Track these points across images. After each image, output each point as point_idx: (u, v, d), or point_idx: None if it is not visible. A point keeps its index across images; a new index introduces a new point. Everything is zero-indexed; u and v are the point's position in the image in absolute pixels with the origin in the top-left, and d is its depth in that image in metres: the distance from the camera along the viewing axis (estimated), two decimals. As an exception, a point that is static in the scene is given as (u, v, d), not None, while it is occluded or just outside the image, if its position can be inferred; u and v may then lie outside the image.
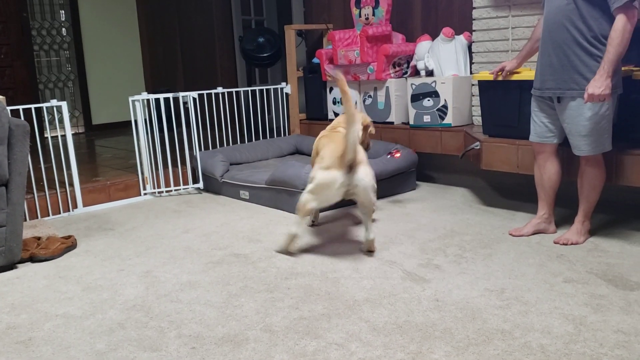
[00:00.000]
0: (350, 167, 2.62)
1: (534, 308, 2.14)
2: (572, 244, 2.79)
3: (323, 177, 2.67)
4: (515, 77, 3.10)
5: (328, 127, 3.14)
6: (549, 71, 2.72)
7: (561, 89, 2.69)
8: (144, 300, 2.38)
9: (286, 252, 2.84)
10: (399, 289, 2.37)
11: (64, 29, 7.01)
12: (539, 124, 2.87)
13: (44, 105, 3.75)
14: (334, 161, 2.66)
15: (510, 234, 2.99)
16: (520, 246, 2.80)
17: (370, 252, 2.82)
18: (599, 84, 2.50)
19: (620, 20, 2.46)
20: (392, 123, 4.24)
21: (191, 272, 2.67)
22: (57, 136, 3.83)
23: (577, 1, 2.57)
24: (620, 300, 2.18)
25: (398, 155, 3.83)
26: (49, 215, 3.72)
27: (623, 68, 2.97)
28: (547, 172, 2.92)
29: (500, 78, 3.12)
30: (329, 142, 2.83)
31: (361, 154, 2.73)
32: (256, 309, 2.24)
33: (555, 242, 2.82)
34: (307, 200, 2.72)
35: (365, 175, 2.68)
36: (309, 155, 4.63)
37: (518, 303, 2.19)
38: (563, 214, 3.16)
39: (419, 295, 2.30)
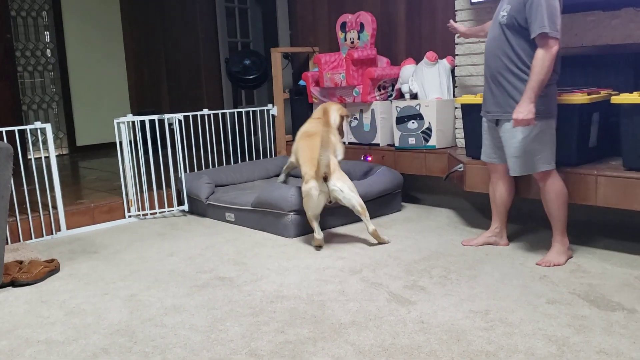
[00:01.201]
0: (325, 178, 3.18)
1: (517, 329, 2.16)
2: (554, 265, 2.83)
3: (305, 190, 3.24)
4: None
5: (310, 120, 3.72)
6: (489, 96, 2.91)
7: (499, 112, 2.85)
8: (128, 325, 2.36)
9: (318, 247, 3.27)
10: (384, 311, 2.38)
11: (48, 50, 7.00)
12: (488, 145, 3.04)
13: (28, 127, 3.73)
14: (311, 174, 3.21)
15: (462, 244, 3.19)
16: (504, 267, 2.83)
17: (381, 243, 3.28)
18: (522, 109, 2.65)
19: (539, 50, 2.63)
20: (377, 145, 4.27)
21: (176, 295, 2.65)
22: (40, 158, 3.81)
23: (507, 32, 2.75)
24: (602, 321, 2.20)
25: (370, 159, 4.20)
26: (31, 239, 3.68)
27: (602, 92, 3.06)
28: (498, 190, 3.10)
29: (451, 27, 3.39)
30: (306, 151, 3.37)
31: (333, 163, 3.26)
32: (241, 333, 2.23)
33: (538, 264, 2.86)
34: (306, 210, 3.27)
35: (337, 180, 3.22)
36: (296, 176, 4.65)
37: (502, 324, 2.21)
38: (515, 230, 3.26)
39: (405, 317, 2.31)
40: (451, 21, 3.39)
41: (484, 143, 3.08)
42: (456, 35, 3.50)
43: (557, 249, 2.89)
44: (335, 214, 3.65)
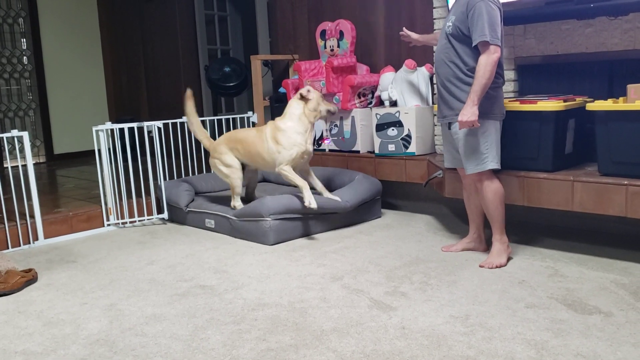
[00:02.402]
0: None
1: (497, 334, 2.19)
2: (496, 267, 2.92)
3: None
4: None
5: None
6: (441, 101, 3.02)
7: (450, 115, 2.96)
8: (107, 335, 2.33)
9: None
10: (366, 317, 2.39)
11: (25, 58, 6.92)
12: (448, 150, 3.14)
13: (4, 135, 3.68)
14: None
15: (442, 250, 3.23)
16: (484, 273, 2.85)
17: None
18: (467, 112, 2.77)
19: (481, 57, 2.76)
20: (358, 152, 4.30)
21: (156, 304, 2.63)
22: (17, 166, 3.76)
23: (452, 41, 2.88)
24: (580, 324, 2.24)
25: (327, 142, 4.37)
26: (8, 248, 3.63)
27: (577, 99, 3.12)
28: (471, 195, 3.15)
29: (404, 37, 3.45)
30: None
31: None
32: (223, 342, 2.22)
33: (481, 266, 2.95)
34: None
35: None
36: (277, 183, 4.65)
37: (482, 329, 2.23)
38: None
39: (386, 323, 2.32)
40: (404, 29, 3.46)
41: (444, 149, 3.19)
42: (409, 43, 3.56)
43: (498, 248, 2.99)
44: (318, 219, 3.67)
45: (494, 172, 2.98)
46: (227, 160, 3.85)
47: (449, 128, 3.01)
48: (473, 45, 2.78)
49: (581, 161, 3.22)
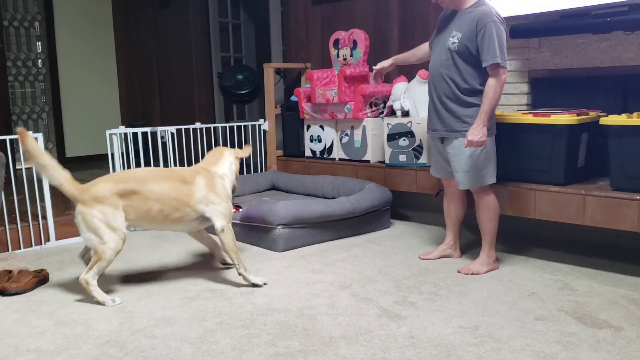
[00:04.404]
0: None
1: (506, 345, 2.18)
2: (472, 273, 3.00)
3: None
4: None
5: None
6: (435, 115, 3.05)
7: (446, 130, 3.00)
8: (118, 336, 2.35)
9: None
10: (374, 325, 2.39)
11: (40, 61, 7.00)
12: (438, 161, 3.19)
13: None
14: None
15: (420, 257, 3.30)
16: (493, 284, 2.85)
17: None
18: (477, 132, 2.82)
19: (491, 79, 2.80)
20: (368, 161, 4.31)
21: (166, 307, 2.65)
22: (30, 168, 3.79)
23: (455, 58, 2.90)
24: (590, 337, 2.23)
25: (237, 210, 3.87)
26: (20, 248, 3.66)
27: (591, 113, 3.13)
28: (453, 204, 3.25)
29: (377, 80, 3.42)
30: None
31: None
32: (232, 345, 2.23)
33: (458, 272, 3.02)
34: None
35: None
36: (286, 191, 4.67)
37: (491, 340, 2.23)
38: (469, 240, 3.36)
39: (395, 332, 2.32)
40: (373, 68, 3.43)
41: (434, 159, 3.24)
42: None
43: (482, 259, 3.06)
44: (327, 228, 3.68)
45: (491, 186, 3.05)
46: (111, 220, 2.70)
47: (442, 142, 3.06)
48: (484, 66, 2.81)
49: (593, 175, 3.21)
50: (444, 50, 2.94)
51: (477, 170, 2.96)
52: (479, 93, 2.88)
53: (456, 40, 2.88)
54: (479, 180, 2.98)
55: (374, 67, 3.43)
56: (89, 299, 2.76)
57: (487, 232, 3.06)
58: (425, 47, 3.23)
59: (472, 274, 2.99)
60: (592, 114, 3.13)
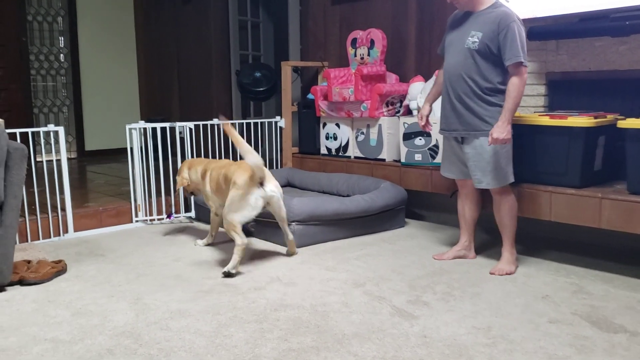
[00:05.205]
0: (261, 183, 3.10)
1: (519, 347, 2.18)
2: (506, 273, 3.01)
3: (243, 197, 3.11)
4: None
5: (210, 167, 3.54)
6: (453, 115, 3.05)
7: (466, 130, 3.01)
8: (133, 327, 2.39)
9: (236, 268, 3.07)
10: (387, 324, 2.40)
11: (62, 55, 7.10)
12: (453, 161, 3.18)
13: (41, 129, 3.79)
14: (246, 181, 3.10)
15: (434, 258, 3.30)
16: (507, 286, 2.85)
17: (292, 254, 3.39)
18: (502, 130, 2.84)
19: (514, 77, 2.84)
20: (383, 160, 4.31)
21: (181, 300, 2.68)
22: (51, 160, 3.86)
23: (476, 57, 2.92)
24: (604, 342, 2.22)
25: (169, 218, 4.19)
26: (39, 239, 3.72)
27: (608, 116, 3.11)
28: (467, 205, 3.26)
29: (429, 129, 3.35)
30: (236, 169, 3.22)
31: (267, 171, 3.18)
32: (245, 339, 2.26)
33: (491, 273, 3.02)
34: (239, 217, 3.11)
35: (274, 185, 3.19)
36: (301, 188, 4.70)
37: (504, 341, 2.23)
38: (483, 241, 3.37)
39: (407, 331, 2.33)
40: (418, 122, 3.34)
41: (448, 160, 3.23)
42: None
43: (507, 258, 3.08)
44: (341, 226, 3.69)
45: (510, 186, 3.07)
46: None
47: (462, 142, 3.06)
48: (506, 65, 2.84)
49: (610, 179, 3.19)
50: (462, 50, 2.96)
51: (500, 169, 2.97)
52: (499, 92, 2.91)
53: (477, 40, 2.90)
54: (503, 179, 2.99)
55: (418, 121, 3.33)
56: (104, 290, 2.81)
57: (510, 231, 3.08)
58: (439, 74, 3.24)
59: (506, 274, 3.00)
60: (610, 116, 3.11)
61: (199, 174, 3.59)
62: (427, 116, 3.30)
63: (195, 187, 3.68)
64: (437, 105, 3.30)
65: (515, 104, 2.84)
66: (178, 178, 3.70)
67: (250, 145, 5.14)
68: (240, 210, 3.10)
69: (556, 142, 3.06)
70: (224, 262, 3.26)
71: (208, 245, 3.64)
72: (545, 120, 3.08)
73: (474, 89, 2.94)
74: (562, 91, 3.60)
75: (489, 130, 2.90)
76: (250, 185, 3.09)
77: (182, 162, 3.89)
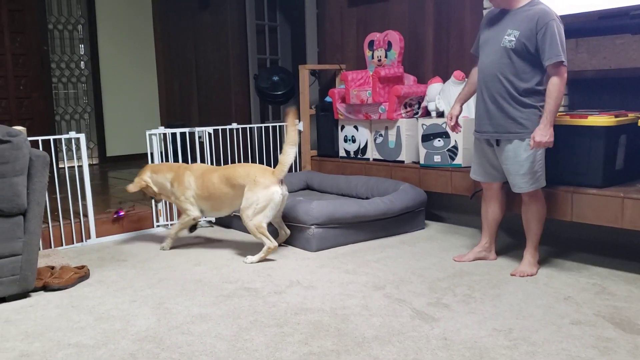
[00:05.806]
0: (281, 182, 3.38)
1: (541, 349, 2.16)
2: (527, 275, 2.98)
3: (269, 194, 3.34)
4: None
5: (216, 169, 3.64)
6: (485, 116, 2.99)
7: (498, 132, 2.97)
8: (155, 332, 2.41)
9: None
10: (407, 327, 2.39)
11: (82, 63, 7.20)
12: (483, 163, 3.13)
13: (63, 136, 3.85)
14: (272, 180, 3.36)
15: (454, 260, 3.29)
16: (528, 287, 2.82)
17: (284, 244, 3.61)
18: (545, 132, 2.76)
19: (554, 77, 2.75)
20: (402, 162, 4.30)
21: (202, 304, 2.71)
22: (72, 167, 3.91)
23: (512, 57, 2.84)
24: (628, 344, 2.19)
25: (122, 214, 4.09)
26: (62, 245, 3.78)
27: (629, 115, 3.06)
28: (491, 207, 3.22)
29: (458, 130, 3.31)
30: (252, 170, 3.43)
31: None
32: (266, 343, 2.27)
33: (512, 275, 3.00)
34: (265, 217, 3.35)
35: (284, 186, 3.43)
36: (320, 191, 4.70)
37: (525, 344, 2.21)
38: (504, 243, 3.40)
39: (428, 333, 2.33)
40: (446, 122, 3.34)
41: (477, 162, 3.18)
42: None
43: (529, 260, 3.05)
44: (360, 229, 3.69)
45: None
46: None
47: (497, 144, 2.99)
48: (546, 65, 2.76)
49: (632, 178, 3.15)
50: (498, 49, 2.88)
51: (534, 172, 2.92)
52: (535, 94, 2.84)
53: (513, 38, 2.81)
54: (536, 182, 2.94)
55: (446, 121, 3.31)
56: (127, 295, 2.84)
57: (535, 234, 3.04)
58: (472, 73, 3.17)
59: (527, 275, 2.98)
60: (631, 115, 3.06)
61: (167, 180, 3.62)
62: (457, 116, 3.24)
63: (158, 193, 3.70)
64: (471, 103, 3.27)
65: (557, 105, 2.75)
66: (136, 179, 3.70)
67: (269, 149, 5.18)
68: (265, 211, 3.33)
69: (577, 141, 3.03)
70: (244, 267, 3.28)
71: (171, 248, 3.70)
72: (566, 120, 3.05)
73: (509, 89, 2.86)
74: (583, 90, 3.56)
75: (523, 133, 2.84)
76: (275, 183, 3.34)
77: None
